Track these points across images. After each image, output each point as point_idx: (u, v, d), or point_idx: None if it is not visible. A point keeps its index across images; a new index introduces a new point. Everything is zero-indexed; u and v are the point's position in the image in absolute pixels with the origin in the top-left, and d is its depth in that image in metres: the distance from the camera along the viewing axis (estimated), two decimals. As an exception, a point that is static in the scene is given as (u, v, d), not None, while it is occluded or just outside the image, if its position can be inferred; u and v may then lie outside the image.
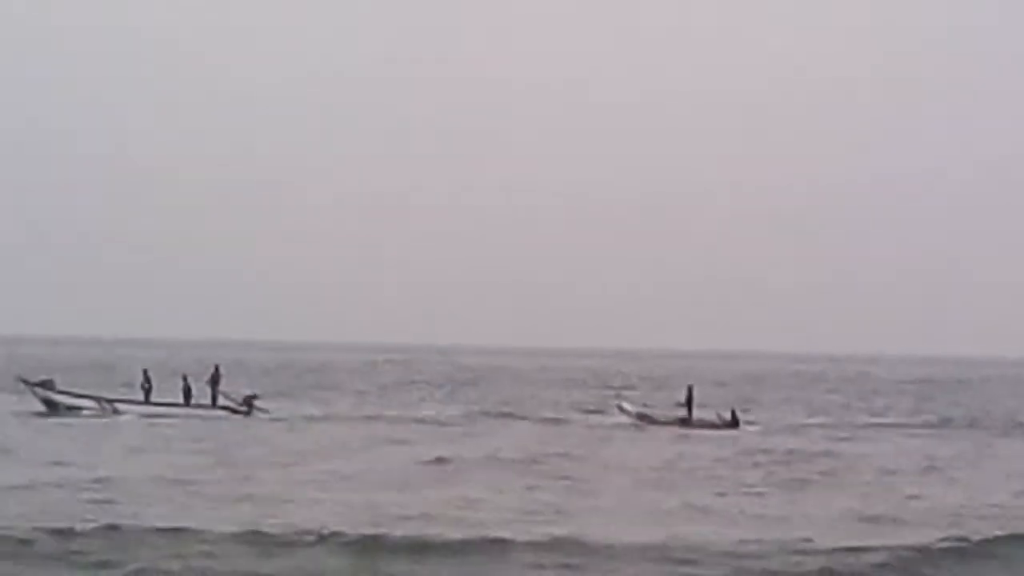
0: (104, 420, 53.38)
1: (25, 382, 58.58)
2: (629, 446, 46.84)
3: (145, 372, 58.51)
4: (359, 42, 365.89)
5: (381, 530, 24.05)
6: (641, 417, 58.26)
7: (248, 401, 57.64)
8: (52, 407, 56.10)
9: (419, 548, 22.76)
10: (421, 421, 56.60)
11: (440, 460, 38.03)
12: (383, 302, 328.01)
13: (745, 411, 61.50)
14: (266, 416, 56.03)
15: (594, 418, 61.01)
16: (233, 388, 60.45)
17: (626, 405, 61.02)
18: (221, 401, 57.33)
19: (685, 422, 56.77)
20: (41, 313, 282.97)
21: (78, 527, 23.63)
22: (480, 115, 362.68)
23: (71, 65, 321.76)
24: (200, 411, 55.97)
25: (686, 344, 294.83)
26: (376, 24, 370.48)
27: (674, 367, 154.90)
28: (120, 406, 56.42)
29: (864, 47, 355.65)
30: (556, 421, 59.22)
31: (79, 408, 56.04)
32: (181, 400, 56.92)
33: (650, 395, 77.51)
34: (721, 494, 32.09)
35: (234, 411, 56.48)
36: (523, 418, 60.60)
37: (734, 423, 56.30)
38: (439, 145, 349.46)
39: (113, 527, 23.65)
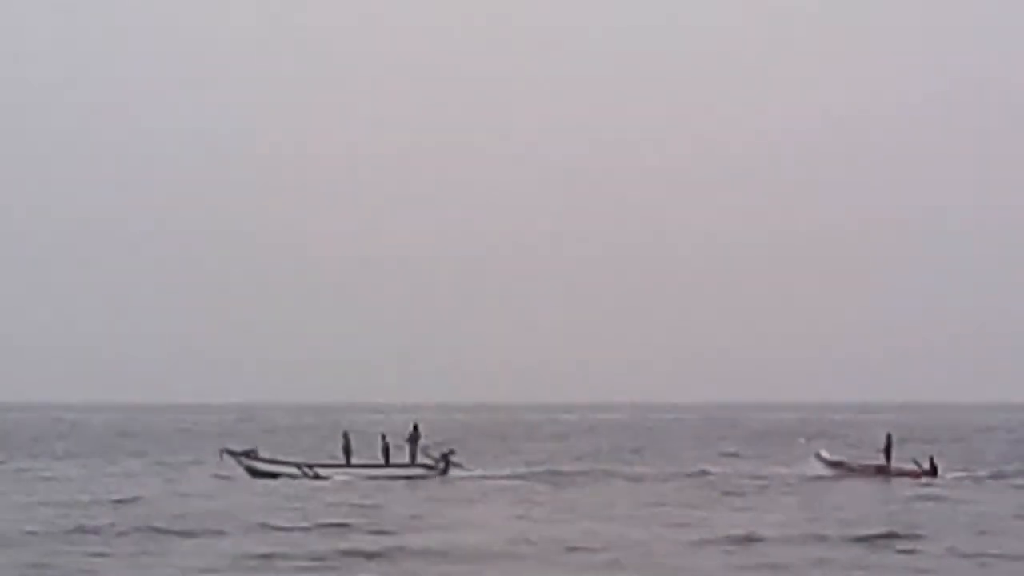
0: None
1: (230, 453, 59.93)
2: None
3: (345, 435, 59.74)
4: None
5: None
6: (838, 465, 58.11)
7: (445, 457, 57.83)
8: (255, 475, 56.96)
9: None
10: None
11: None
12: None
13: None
14: (465, 473, 56.29)
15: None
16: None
17: (823, 453, 60.66)
18: (420, 459, 57.76)
19: (883, 470, 56.72)
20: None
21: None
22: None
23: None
24: (400, 470, 56.77)
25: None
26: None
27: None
28: (321, 471, 57.37)
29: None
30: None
31: (282, 474, 56.89)
32: (381, 460, 57.77)
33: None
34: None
35: (431, 468, 56.87)
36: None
37: (933, 472, 55.95)
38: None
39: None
